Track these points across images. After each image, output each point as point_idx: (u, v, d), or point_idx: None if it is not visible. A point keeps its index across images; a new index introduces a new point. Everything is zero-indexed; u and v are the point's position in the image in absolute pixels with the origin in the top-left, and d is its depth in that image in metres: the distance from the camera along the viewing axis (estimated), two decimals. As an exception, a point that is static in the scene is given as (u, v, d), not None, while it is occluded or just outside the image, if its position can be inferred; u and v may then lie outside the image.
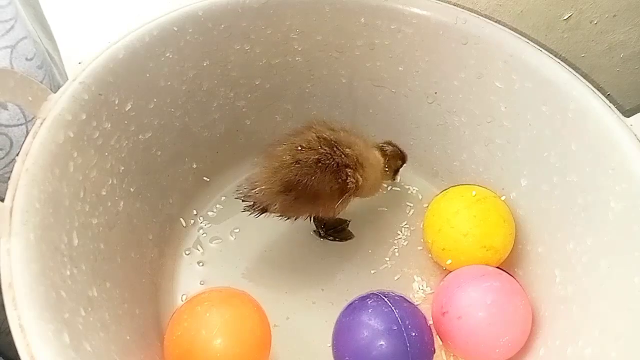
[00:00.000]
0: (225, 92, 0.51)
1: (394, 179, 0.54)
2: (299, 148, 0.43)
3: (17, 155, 0.41)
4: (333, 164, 0.43)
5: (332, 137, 0.44)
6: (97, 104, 0.39)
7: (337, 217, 0.48)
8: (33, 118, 0.41)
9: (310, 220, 0.49)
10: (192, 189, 0.53)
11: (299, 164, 0.43)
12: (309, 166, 0.42)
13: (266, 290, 0.48)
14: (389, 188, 0.56)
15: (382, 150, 0.50)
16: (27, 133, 0.41)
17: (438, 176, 0.56)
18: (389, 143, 0.52)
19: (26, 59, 0.40)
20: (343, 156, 0.43)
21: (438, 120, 0.53)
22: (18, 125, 0.41)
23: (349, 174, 0.44)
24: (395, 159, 0.52)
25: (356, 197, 0.46)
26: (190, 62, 0.46)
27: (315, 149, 0.43)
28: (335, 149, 0.43)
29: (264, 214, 0.44)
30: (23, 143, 0.41)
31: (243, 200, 0.44)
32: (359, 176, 0.44)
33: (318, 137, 0.44)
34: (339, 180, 0.43)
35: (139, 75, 0.43)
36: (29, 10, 0.46)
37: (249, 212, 0.44)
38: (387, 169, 0.50)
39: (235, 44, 0.48)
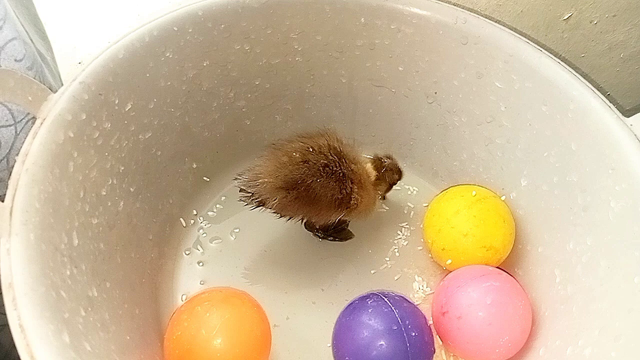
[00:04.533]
0: (225, 92, 0.51)
1: (384, 198, 0.53)
2: (310, 149, 0.43)
3: (6, 156, 0.41)
4: (339, 173, 0.43)
5: (341, 148, 0.44)
6: (97, 104, 0.39)
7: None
8: (22, 119, 0.41)
9: (302, 222, 0.49)
10: (192, 189, 0.53)
11: (307, 164, 0.43)
12: (317, 169, 0.43)
13: (266, 290, 0.48)
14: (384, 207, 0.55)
15: (379, 161, 0.48)
16: (17, 134, 0.41)
17: (438, 176, 0.56)
18: (388, 156, 0.50)
19: (15, 60, 0.40)
20: (349, 170, 0.44)
21: (438, 120, 0.52)
22: (7, 126, 0.40)
23: (354, 190, 0.44)
24: (393, 172, 0.49)
25: (348, 217, 0.46)
26: (190, 62, 0.46)
27: (325, 154, 0.43)
28: (343, 160, 0.44)
29: (259, 208, 0.44)
30: (12, 144, 0.41)
31: (241, 190, 0.44)
32: (358, 196, 0.44)
33: (329, 145, 0.44)
34: (343, 191, 0.43)
35: (139, 75, 0.43)
36: (22, 10, 0.46)
37: (245, 204, 0.44)
38: (380, 182, 0.48)
39: (235, 44, 0.48)
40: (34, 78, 0.42)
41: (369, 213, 0.48)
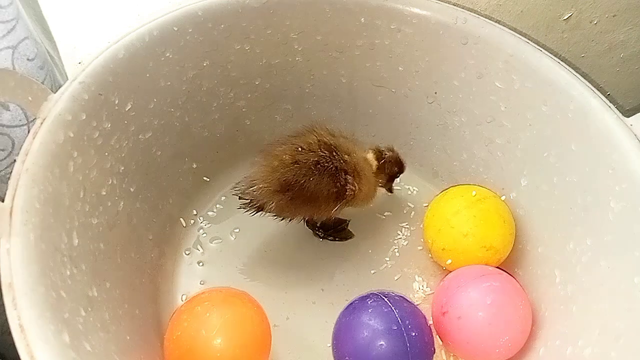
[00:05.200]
0: (225, 92, 0.51)
1: (391, 192, 0.53)
2: (299, 149, 0.44)
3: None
4: (331, 167, 0.43)
5: (332, 142, 0.45)
6: (97, 104, 0.39)
7: (334, 218, 0.48)
8: (35, 119, 0.41)
9: (304, 222, 0.49)
10: (192, 189, 0.53)
11: (297, 164, 0.43)
12: (308, 167, 0.43)
13: (266, 290, 0.48)
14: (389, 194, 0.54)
15: (379, 152, 0.49)
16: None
17: (438, 176, 0.56)
18: (390, 149, 0.50)
19: (27, 59, 0.40)
20: (342, 162, 0.44)
21: (438, 120, 0.53)
22: (20, 125, 0.41)
23: (349, 180, 0.44)
24: (392, 164, 0.49)
25: (349, 206, 0.46)
26: (190, 62, 0.46)
27: (314, 151, 0.44)
28: (334, 153, 0.44)
29: (259, 213, 0.44)
30: None
31: (240, 198, 0.44)
32: (356, 184, 0.45)
33: (319, 141, 0.44)
34: (337, 184, 0.44)
35: (139, 75, 0.43)
36: (28, 10, 0.46)
37: (245, 210, 0.44)
38: (380, 173, 0.49)
39: (235, 44, 0.48)
40: (45, 77, 0.43)
41: (369, 200, 0.48)
